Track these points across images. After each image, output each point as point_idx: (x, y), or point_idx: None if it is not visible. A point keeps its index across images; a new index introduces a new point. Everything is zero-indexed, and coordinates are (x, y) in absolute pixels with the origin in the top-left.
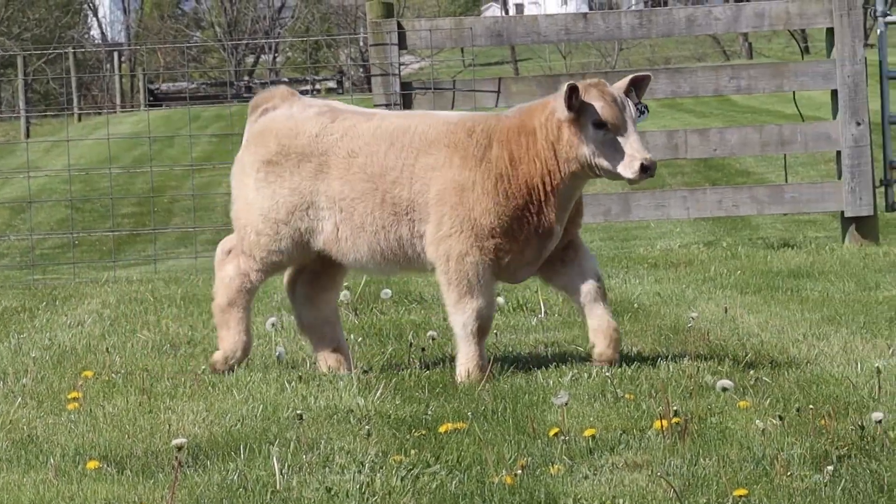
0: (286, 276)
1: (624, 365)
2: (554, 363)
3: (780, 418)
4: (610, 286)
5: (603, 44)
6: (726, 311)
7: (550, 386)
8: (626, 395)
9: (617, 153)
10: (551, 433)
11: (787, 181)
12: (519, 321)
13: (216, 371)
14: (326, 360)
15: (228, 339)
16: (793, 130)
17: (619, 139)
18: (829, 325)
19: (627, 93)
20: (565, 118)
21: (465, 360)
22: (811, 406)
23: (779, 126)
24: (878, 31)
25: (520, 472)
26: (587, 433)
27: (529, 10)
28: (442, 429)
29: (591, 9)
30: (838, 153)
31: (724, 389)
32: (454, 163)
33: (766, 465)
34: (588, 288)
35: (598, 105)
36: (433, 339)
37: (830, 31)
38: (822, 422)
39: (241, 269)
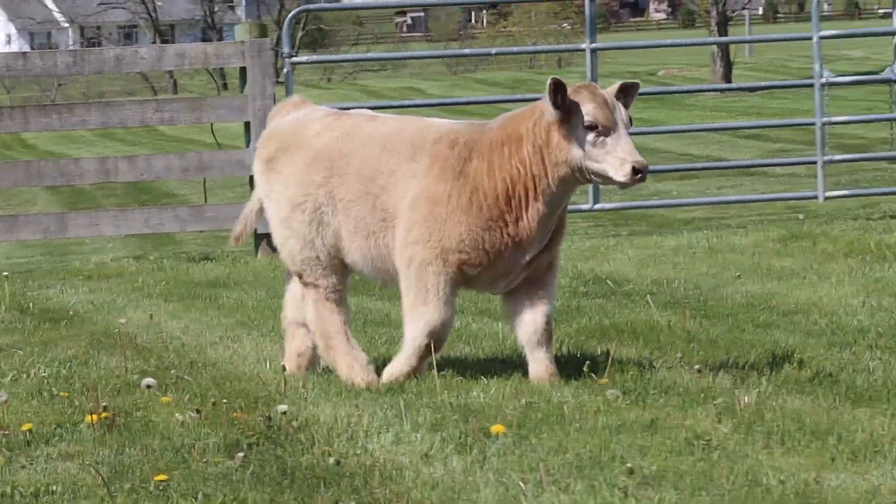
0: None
1: (59, 366)
2: None
3: (198, 411)
4: (48, 296)
5: (42, 79)
6: (152, 318)
7: None
8: (62, 393)
9: (608, 156)
10: None
11: (206, 202)
12: None
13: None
14: (290, 362)
15: (344, 371)
16: (211, 157)
17: (610, 142)
18: (243, 328)
19: (617, 98)
20: (554, 120)
21: (398, 366)
22: (225, 400)
23: (199, 153)
24: (286, 71)
25: None
26: (24, 427)
27: None
28: None
29: (31, 48)
30: (251, 177)
31: (149, 387)
32: (432, 173)
33: (185, 452)
34: (534, 328)
35: (589, 106)
36: None
37: (243, 70)
38: (235, 414)
39: (314, 297)
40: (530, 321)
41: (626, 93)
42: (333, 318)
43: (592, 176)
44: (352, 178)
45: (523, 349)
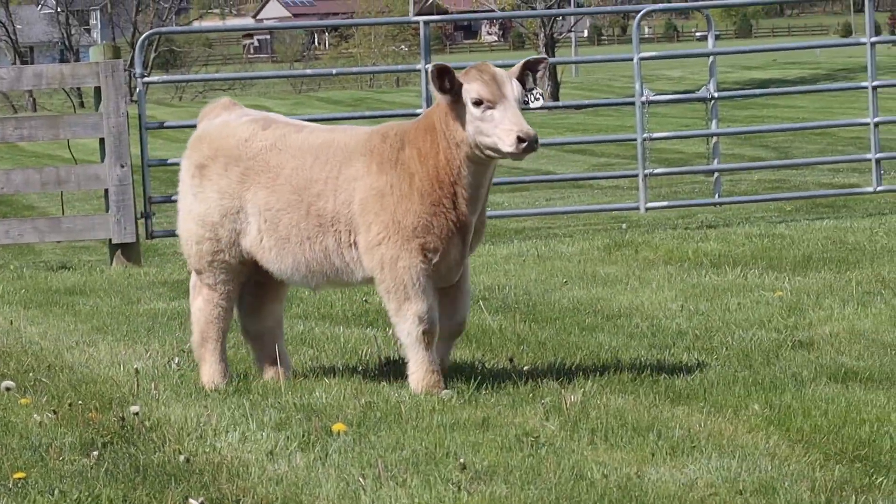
0: None
1: None
2: None
3: (55, 412)
4: None
5: None
6: (12, 324)
7: None
8: None
9: (496, 129)
10: None
11: (64, 214)
12: None
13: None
14: (266, 370)
15: (206, 373)
16: (68, 171)
17: (497, 115)
18: (99, 333)
19: (521, 77)
20: (445, 102)
21: (416, 368)
22: (81, 402)
23: (56, 168)
24: (138, 90)
25: None
26: None
27: None
28: None
29: None
30: (106, 190)
31: (8, 389)
32: (372, 170)
33: (43, 451)
34: (449, 326)
35: (474, 84)
36: None
37: (98, 90)
38: (91, 415)
39: (206, 297)
40: (447, 318)
41: (533, 69)
42: (217, 324)
43: (487, 151)
44: (281, 188)
45: None
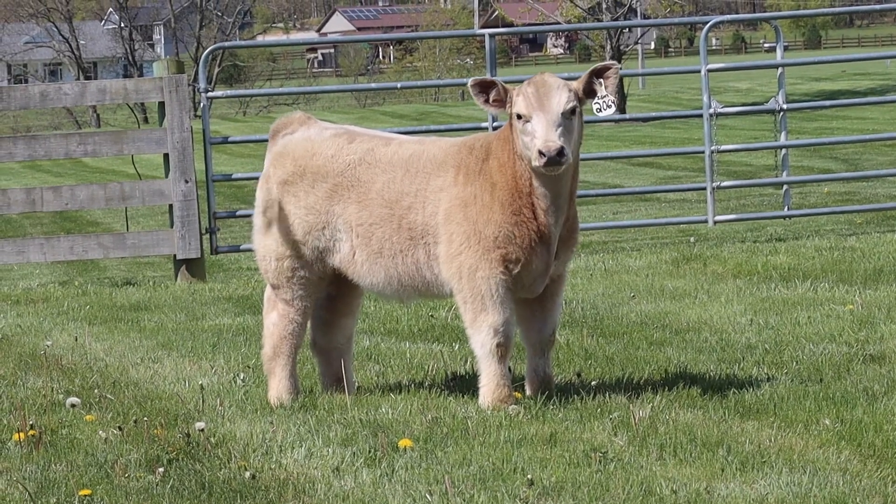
0: None
1: None
2: None
3: (120, 429)
4: None
5: None
6: (77, 340)
7: None
8: None
9: (531, 142)
10: None
11: (128, 230)
12: None
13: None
14: (330, 386)
15: (275, 387)
16: (133, 187)
17: (530, 128)
18: (164, 349)
19: (589, 85)
20: (505, 114)
21: (487, 381)
22: (146, 418)
23: (121, 183)
24: (202, 105)
25: None
26: None
27: None
28: None
29: None
30: (171, 206)
31: (74, 405)
32: (459, 181)
33: (108, 468)
34: (540, 339)
35: (517, 98)
36: None
37: (162, 105)
38: (156, 431)
39: (282, 312)
40: (537, 330)
41: (603, 76)
42: (290, 339)
43: (529, 163)
44: (373, 202)
45: (528, 353)
